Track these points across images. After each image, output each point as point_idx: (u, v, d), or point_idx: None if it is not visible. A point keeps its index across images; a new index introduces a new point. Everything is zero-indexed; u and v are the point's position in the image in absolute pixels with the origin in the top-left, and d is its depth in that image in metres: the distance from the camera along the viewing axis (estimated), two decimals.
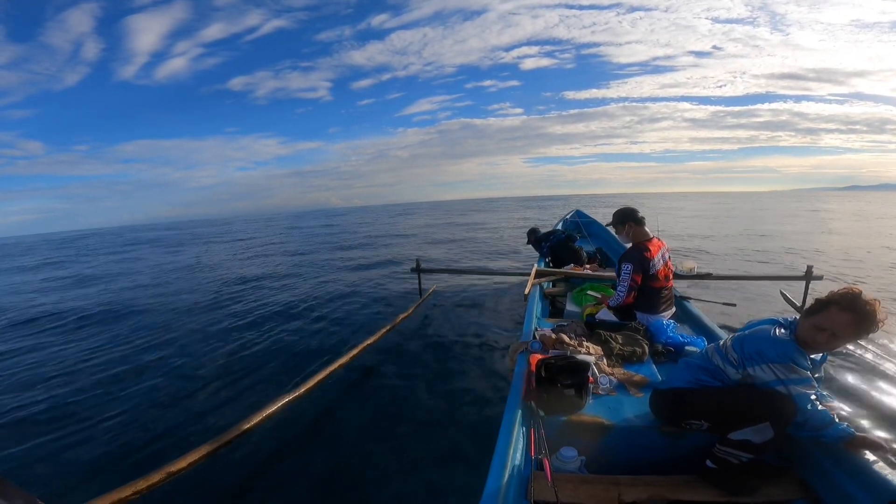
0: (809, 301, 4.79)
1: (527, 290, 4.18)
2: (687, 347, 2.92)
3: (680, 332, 3.14)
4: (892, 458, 1.64)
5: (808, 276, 4.75)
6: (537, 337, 2.95)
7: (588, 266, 5.57)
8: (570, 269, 5.30)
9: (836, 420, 1.72)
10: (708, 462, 1.84)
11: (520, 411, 2.08)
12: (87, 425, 3.44)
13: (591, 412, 2.17)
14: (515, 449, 1.84)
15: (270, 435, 3.02)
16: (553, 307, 4.58)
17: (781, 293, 5.34)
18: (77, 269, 14.79)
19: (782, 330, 1.81)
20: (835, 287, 1.75)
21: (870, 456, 1.66)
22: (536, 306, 4.05)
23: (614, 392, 2.38)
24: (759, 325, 1.93)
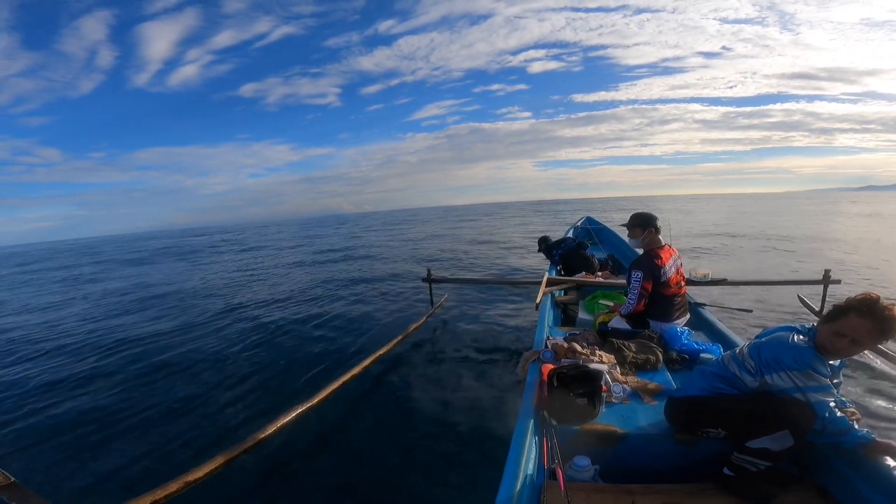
0: (828, 306, 4.73)
1: (538, 299, 4.17)
2: (702, 355, 2.88)
3: (695, 340, 3.10)
4: None
5: (826, 281, 4.67)
6: (549, 346, 2.94)
7: (600, 273, 5.53)
8: (581, 276, 5.27)
9: (855, 426, 1.69)
10: (725, 469, 1.81)
11: (532, 421, 2.08)
12: (105, 434, 3.50)
13: (604, 421, 2.16)
14: (528, 458, 1.83)
15: (284, 445, 3.04)
16: (565, 315, 4.56)
17: (799, 297, 5.25)
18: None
19: (800, 336, 1.78)
20: (853, 291, 1.73)
21: (891, 462, 1.63)
22: (548, 315, 4.03)
23: (628, 400, 2.37)
24: (776, 332, 1.90)
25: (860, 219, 24.00)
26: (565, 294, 5.04)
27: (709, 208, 39.87)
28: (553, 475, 1.71)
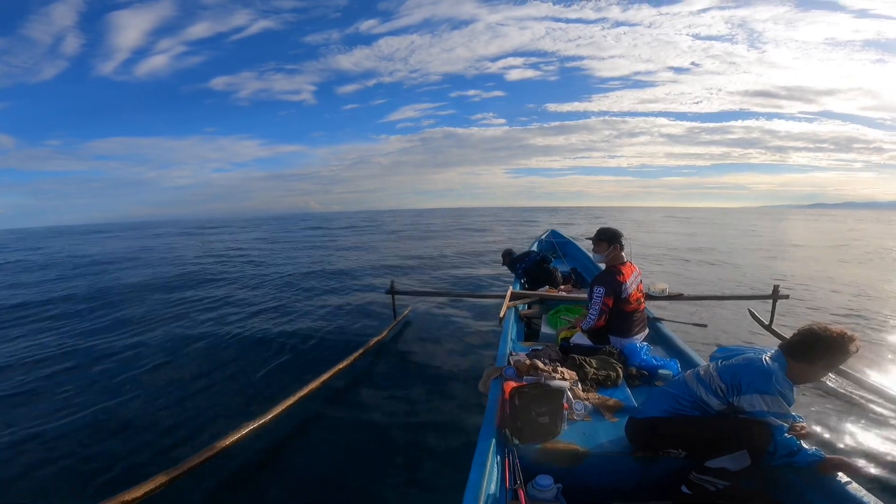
0: (777, 320, 4.95)
1: (501, 314, 4.15)
2: (660, 370, 2.93)
3: (653, 355, 3.15)
4: (865, 478, 1.66)
5: (776, 296, 4.88)
6: (511, 362, 2.91)
7: (563, 287, 5.59)
8: (544, 290, 5.31)
9: (804, 445, 1.74)
10: (683, 488, 1.82)
11: (493, 440, 2.05)
12: (39, 448, 3.25)
13: (566, 439, 2.15)
14: (489, 479, 1.80)
15: (235, 463, 2.89)
16: (528, 329, 4.56)
17: (749, 312, 5.46)
18: None
19: (771, 362, 1.83)
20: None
21: (843, 477, 1.68)
22: (512, 329, 4.02)
23: (589, 417, 2.37)
24: (745, 354, 1.96)
25: (810, 234, 25.77)
26: (529, 308, 5.05)
27: (674, 221, 41.62)
28: (515, 496, 1.69)
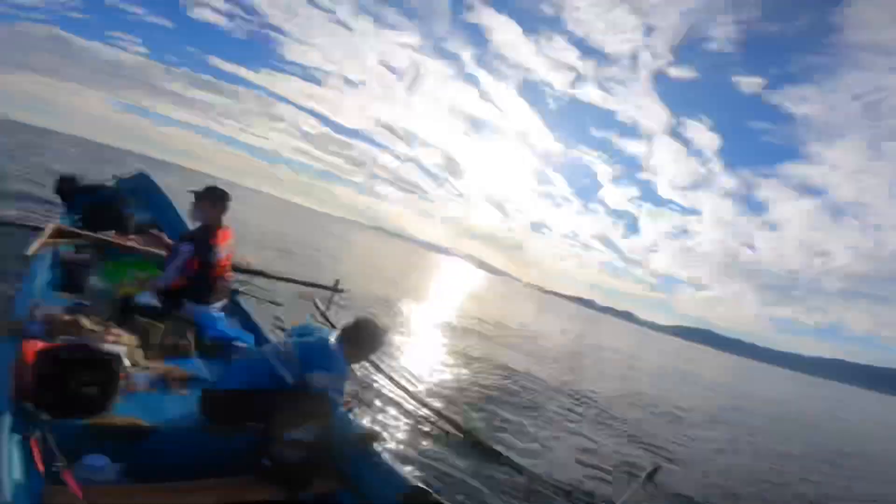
0: (333, 309, 5.91)
1: (32, 250, 3.03)
2: (236, 343, 2.87)
3: (230, 326, 3.07)
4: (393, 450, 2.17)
5: (335, 288, 5.84)
6: (39, 316, 2.26)
7: (133, 237, 4.63)
8: (111, 235, 4.24)
9: (351, 417, 2.14)
10: (264, 461, 1.86)
11: (9, 416, 1.59)
12: None
13: (125, 413, 1.85)
14: (11, 465, 1.42)
15: None
16: (70, 279, 3.48)
17: (314, 301, 6.28)
18: None
19: (336, 343, 2.13)
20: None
21: (378, 447, 2.14)
22: (44, 274, 3.01)
23: (154, 389, 2.11)
24: (316, 335, 2.20)
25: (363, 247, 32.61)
26: (77, 252, 3.88)
27: (276, 212, 42.81)
28: (57, 479, 1.43)
